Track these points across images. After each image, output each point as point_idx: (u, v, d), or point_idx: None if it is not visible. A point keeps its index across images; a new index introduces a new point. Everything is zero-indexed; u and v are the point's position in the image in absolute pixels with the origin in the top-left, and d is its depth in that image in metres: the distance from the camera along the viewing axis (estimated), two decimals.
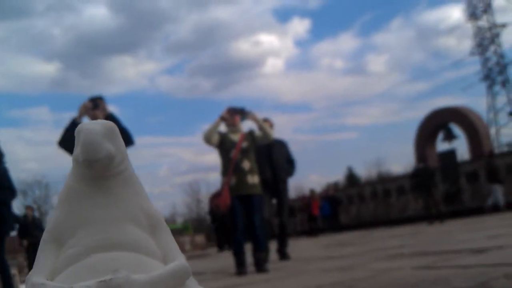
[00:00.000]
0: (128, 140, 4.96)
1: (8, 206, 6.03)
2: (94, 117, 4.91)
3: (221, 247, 17.57)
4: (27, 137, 72.73)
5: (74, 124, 4.80)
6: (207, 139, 6.12)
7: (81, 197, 0.89)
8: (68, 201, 0.90)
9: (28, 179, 44.65)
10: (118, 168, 0.92)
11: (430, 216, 14.35)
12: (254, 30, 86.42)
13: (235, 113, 6.25)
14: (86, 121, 4.57)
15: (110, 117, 4.94)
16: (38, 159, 68.20)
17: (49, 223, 0.92)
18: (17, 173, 49.46)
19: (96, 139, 0.86)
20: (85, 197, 0.89)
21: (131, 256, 0.85)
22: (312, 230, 19.74)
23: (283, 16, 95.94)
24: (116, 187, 0.91)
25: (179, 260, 0.89)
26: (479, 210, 16.93)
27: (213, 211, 17.70)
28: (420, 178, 14.72)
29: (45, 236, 0.90)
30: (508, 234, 6.49)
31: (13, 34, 68.55)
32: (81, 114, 4.91)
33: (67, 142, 4.80)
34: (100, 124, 0.90)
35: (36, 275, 0.83)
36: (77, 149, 0.88)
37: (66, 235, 0.88)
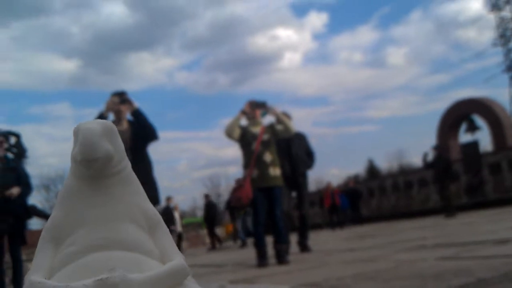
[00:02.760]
0: (153, 135, 5.00)
1: (24, 202, 6.10)
2: (119, 112, 4.95)
3: (213, 246, 17.48)
4: (48, 133, 73.78)
5: (101, 118, 4.84)
6: (229, 134, 6.14)
7: (79, 196, 0.90)
8: (66, 200, 0.91)
9: (50, 174, 45.30)
10: (117, 168, 0.91)
11: (445, 209, 13.97)
12: (271, 25, 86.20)
13: (257, 107, 6.26)
14: (111, 116, 4.60)
15: (137, 112, 4.98)
16: (60, 155, 68.97)
17: (48, 222, 0.92)
18: (39, 169, 50.19)
19: (95, 139, 0.86)
20: (83, 196, 0.89)
21: (128, 256, 0.85)
22: (334, 222, 19.67)
23: (300, 10, 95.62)
24: (115, 186, 0.91)
25: (177, 259, 0.89)
26: (501, 201, 16.71)
27: (207, 209, 17.67)
28: (436, 169, 14.17)
29: (43, 235, 0.91)
30: None
31: (32, 32, 69.58)
32: (108, 109, 4.96)
33: None
34: (99, 123, 0.89)
35: (35, 274, 0.84)
36: (75, 149, 0.87)
37: (64, 234, 0.89)
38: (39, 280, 0.82)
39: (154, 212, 0.96)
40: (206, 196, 18.27)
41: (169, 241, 0.95)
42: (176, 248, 0.94)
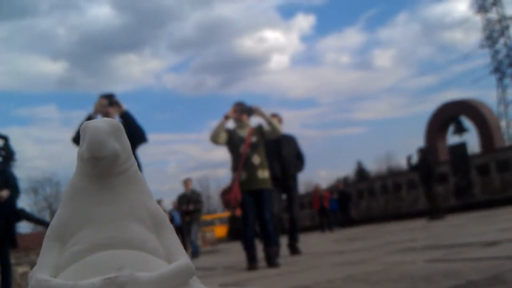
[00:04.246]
0: (142, 137, 4.98)
1: (13, 205, 6.05)
2: (108, 114, 4.93)
3: None
4: (35, 135, 73.43)
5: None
6: (214, 140, 6.10)
7: (85, 194, 0.90)
8: (72, 199, 0.91)
9: (38, 177, 45.03)
10: (123, 167, 0.91)
11: (431, 211, 13.99)
12: (258, 27, 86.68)
13: (242, 112, 6.22)
14: (99, 118, 4.61)
15: (126, 114, 4.95)
16: (47, 157, 68.84)
17: (53, 220, 0.91)
18: (27, 172, 49.86)
19: (102, 137, 0.86)
20: (89, 194, 0.89)
21: (135, 254, 0.85)
22: (323, 224, 19.69)
23: (287, 12, 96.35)
24: (121, 185, 0.91)
25: (183, 259, 0.89)
26: (490, 203, 16.82)
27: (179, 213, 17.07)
28: (421, 171, 14.20)
29: (49, 233, 0.90)
30: None
31: (18, 34, 69.37)
32: (96, 111, 4.93)
33: None
34: (106, 122, 0.89)
35: (40, 272, 0.83)
36: (82, 147, 0.88)
37: (70, 232, 0.88)
38: (45, 278, 0.81)
39: (159, 211, 0.96)
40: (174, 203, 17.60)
41: (175, 241, 0.95)
42: (181, 247, 0.94)
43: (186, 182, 13.16)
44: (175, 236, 0.96)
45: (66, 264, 0.85)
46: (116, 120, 0.92)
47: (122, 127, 0.92)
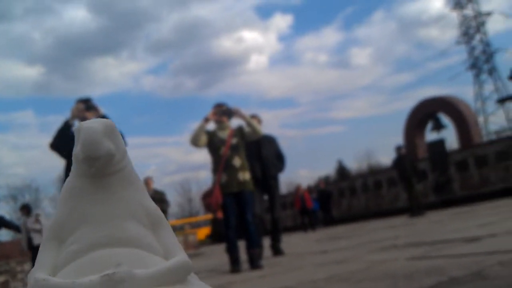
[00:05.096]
0: None
1: None
2: (85, 119, 4.87)
3: None
4: (12, 141, 72.45)
5: (67, 125, 4.75)
6: (194, 142, 6.08)
7: (82, 194, 0.89)
8: (69, 199, 0.90)
9: (17, 183, 44.49)
10: (118, 166, 0.91)
11: (411, 208, 14.13)
12: (236, 27, 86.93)
13: (223, 114, 6.20)
14: (77, 123, 4.57)
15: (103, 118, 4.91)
16: (25, 164, 67.99)
17: (51, 221, 0.91)
18: (5, 179, 49.18)
19: (97, 137, 0.85)
20: (86, 194, 0.89)
21: (133, 252, 0.85)
22: (305, 224, 19.76)
23: (265, 12, 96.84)
24: (116, 184, 0.91)
25: (181, 256, 0.88)
26: (469, 199, 17.04)
27: None
28: (401, 168, 14.18)
29: (47, 233, 0.90)
30: (500, 222, 6.52)
31: None
32: (73, 116, 4.88)
33: (59, 144, 4.75)
34: (100, 122, 0.89)
35: (39, 272, 0.83)
36: (77, 147, 0.86)
37: (67, 232, 0.88)
38: (44, 277, 0.80)
39: (156, 210, 0.96)
40: None
41: (172, 238, 0.94)
42: (179, 244, 0.94)
43: (147, 181, 11.26)
44: (172, 233, 0.96)
45: (64, 264, 0.84)
46: (110, 120, 0.91)
47: (116, 127, 0.92)
